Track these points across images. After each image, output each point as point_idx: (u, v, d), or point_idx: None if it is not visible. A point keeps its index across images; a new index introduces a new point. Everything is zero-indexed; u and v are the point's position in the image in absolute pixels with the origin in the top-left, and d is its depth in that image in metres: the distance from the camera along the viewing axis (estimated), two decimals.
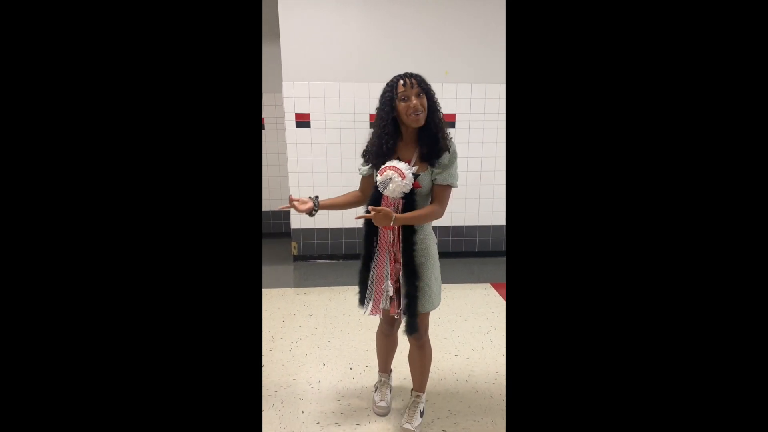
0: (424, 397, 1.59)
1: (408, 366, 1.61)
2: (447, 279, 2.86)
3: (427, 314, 1.44)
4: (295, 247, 3.39)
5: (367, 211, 1.34)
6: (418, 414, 1.56)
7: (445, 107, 3.18)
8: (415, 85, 1.29)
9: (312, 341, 2.18)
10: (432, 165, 1.33)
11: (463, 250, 3.46)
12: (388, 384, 1.71)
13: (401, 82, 1.30)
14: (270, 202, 3.91)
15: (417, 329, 1.41)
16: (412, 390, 1.60)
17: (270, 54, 3.52)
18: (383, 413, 1.62)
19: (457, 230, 3.41)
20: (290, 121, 3.18)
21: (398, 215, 1.30)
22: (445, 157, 1.32)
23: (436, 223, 3.36)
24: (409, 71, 1.34)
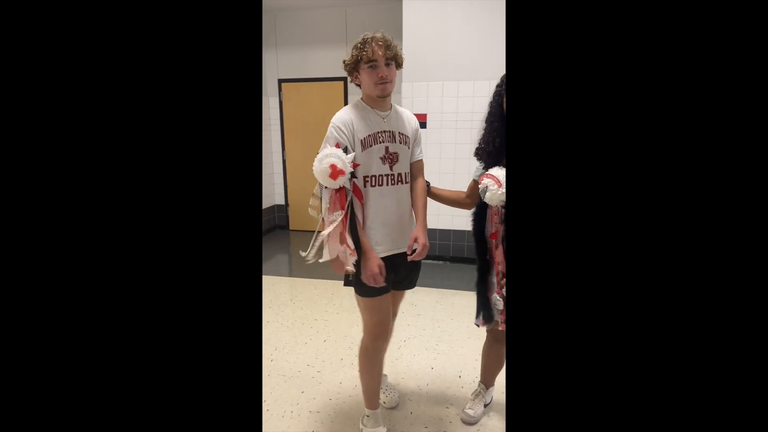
0: (490, 391, 1.65)
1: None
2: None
3: None
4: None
5: (478, 217, 1.37)
6: (482, 404, 1.61)
7: None
8: None
9: (420, 342, 2.17)
10: None
11: None
12: (483, 396, 1.64)
13: None
14: None
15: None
16: (479, 381, 1.64)
17: None
18: (470, 422, 1.58)
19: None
20: None
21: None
22: None
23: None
24: None
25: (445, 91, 3.11)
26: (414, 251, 1.28)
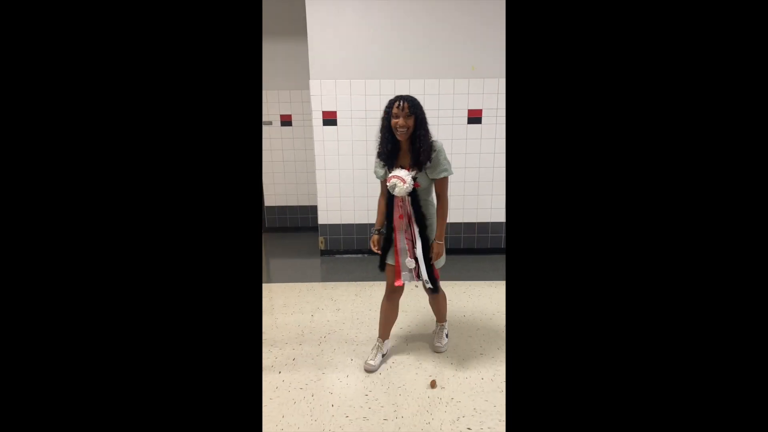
0: (446, 325, 2.12)
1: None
2: (470, 276, 2.86)
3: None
4: (322, 242, 3.45)
5: (388, 206, 1.78)
6: (444, 336, 2.08)
7: (472, 103, 3.17)
8: (406, 108, 1.64)
9: (340, 336, 2.22)
10: (421, 168, 1.70)
11: (489, 247, 3.42)
12: (381, 349, 1.98)
13: (396, 103, 1.65)
14: (298, 197, 3.98)
15: (437, 288, 1.86)
16: (437, 322, 2.12)
17: (298, 52, 3.57)
18: (370, 370, 1.90)
19: (483, 227, 3.38)
20: (317, 119, 3.22)
21: (437, 237, 1.77)
22: (434, 159, 1.68)
23: (460, 219, 3.41)
24: (406, 94, 1.69)
25: (353, 89, 3.16)
26: None
